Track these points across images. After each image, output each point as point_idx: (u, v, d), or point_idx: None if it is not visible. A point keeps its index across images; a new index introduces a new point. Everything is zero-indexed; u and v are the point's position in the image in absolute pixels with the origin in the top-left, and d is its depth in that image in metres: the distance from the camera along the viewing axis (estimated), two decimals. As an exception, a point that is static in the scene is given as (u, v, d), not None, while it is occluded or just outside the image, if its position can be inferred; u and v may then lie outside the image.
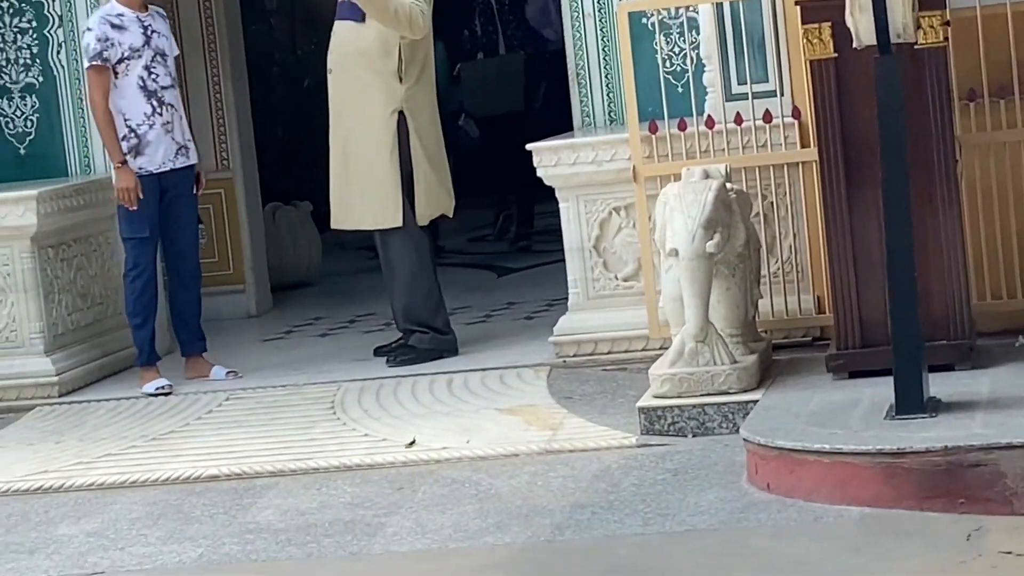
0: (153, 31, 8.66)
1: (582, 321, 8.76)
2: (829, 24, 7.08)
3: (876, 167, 6.48)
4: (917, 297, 6.44)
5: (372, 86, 8.67)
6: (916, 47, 6.96)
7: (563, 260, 9.85)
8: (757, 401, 7.19)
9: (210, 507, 7.19)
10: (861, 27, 6.28)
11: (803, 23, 7.23)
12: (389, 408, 8.36)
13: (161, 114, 8.63)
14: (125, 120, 8.61)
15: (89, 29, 8.60)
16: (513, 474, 7.18)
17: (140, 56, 8.59)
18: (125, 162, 8.45)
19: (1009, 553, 5.22)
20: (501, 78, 13.35)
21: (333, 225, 9.18)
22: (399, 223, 8.67)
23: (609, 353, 8.56)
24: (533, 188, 12.31)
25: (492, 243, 14.25)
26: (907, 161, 6.30)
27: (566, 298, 9.26)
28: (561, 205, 8.63)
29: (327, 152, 9.08)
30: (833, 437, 6.27)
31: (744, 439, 6.51)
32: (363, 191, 8.77)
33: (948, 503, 5.76)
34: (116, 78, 8.61)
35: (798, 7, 7.33)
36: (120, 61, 8.63)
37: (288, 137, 14.11)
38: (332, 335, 10.61)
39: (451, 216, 9.22)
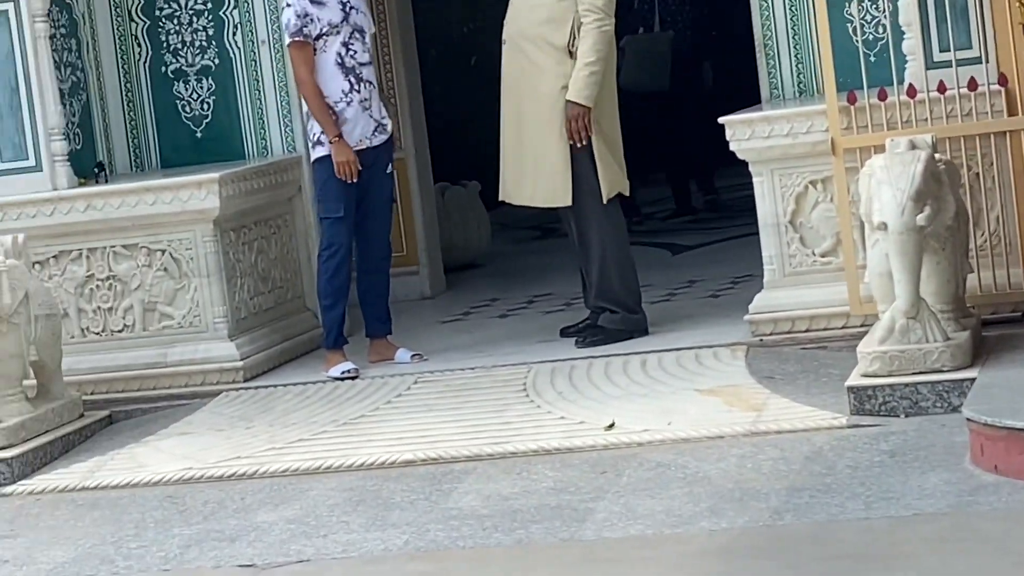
0: (351, 7, 8.62)
1: (779, 298, 8.47)
2: (1041, -14, 7.05)
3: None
4: None
5: (543, 60, 8.51)
6: None
7: (738, 236, 10.58)
8: (973, 379, 6.98)
9: (409, 493, 7.15)
10: (1084, -14, 6.16)
11: (1013, -15, 7.20)
12: (584, 390, 8.18)
13: (359, 91, 8.57)
14: (323, 97, 8.72)
15: (288, 4, 8.58)
16: (720, 456, 7.03)
17: (339, 32, 8.53)
18: (340, 136, 8.39)
19: None
20: (648, 56, 13.18)
21: (502, 198, 8.97)
22: (569, 202, 8.51)
23: (807, 331, 8.36)
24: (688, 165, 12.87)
25: (660, 220, 13.88)
26: None
27: (750, 275, 9.43)
28: (755, 179, 8.37)
29: (494, 130, 9.10)
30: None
31: (968, 419, 6.36)
32: (535, 168, 8.60)
33: None
34: (314, 54, 8.57)
35: (1006, -31, 7.34)
36: (319, 37, 8.57)
37: (454, 116, 13.95)
38: (512, 316, 10.43)
39: (627, 195, 8.95)
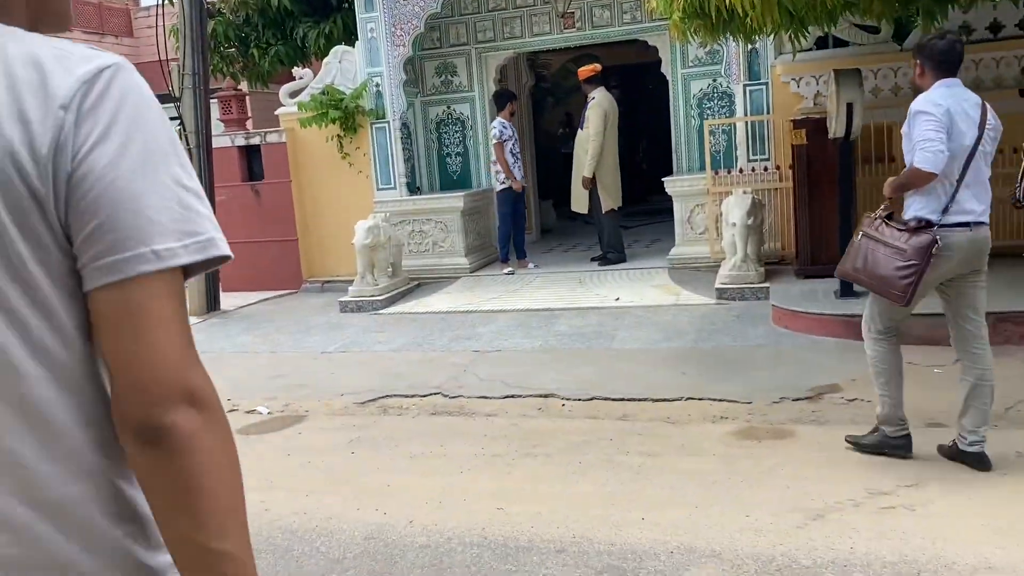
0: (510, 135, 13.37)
1: (682, 251, 12.69)
2: None
3: None
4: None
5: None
6: None
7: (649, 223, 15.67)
8: (768, 287, 10.43)
9: (539, 322, 10.52)
10: None
11: None
12: (603, 283, 12.13)
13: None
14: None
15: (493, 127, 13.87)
16: (664, 314, 10.29)
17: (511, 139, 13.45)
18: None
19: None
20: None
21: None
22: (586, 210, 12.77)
23: (692, 263, 12.32)
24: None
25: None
26: None
27: (658, 239, 14.42)
28: (675, 202, 12.65)
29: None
30: (815, 305, 9.20)
31: (773, 304, 9.56)
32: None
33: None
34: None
35: None
36: (506, 140, 13.51)
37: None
38: (571, 252, 14.79)
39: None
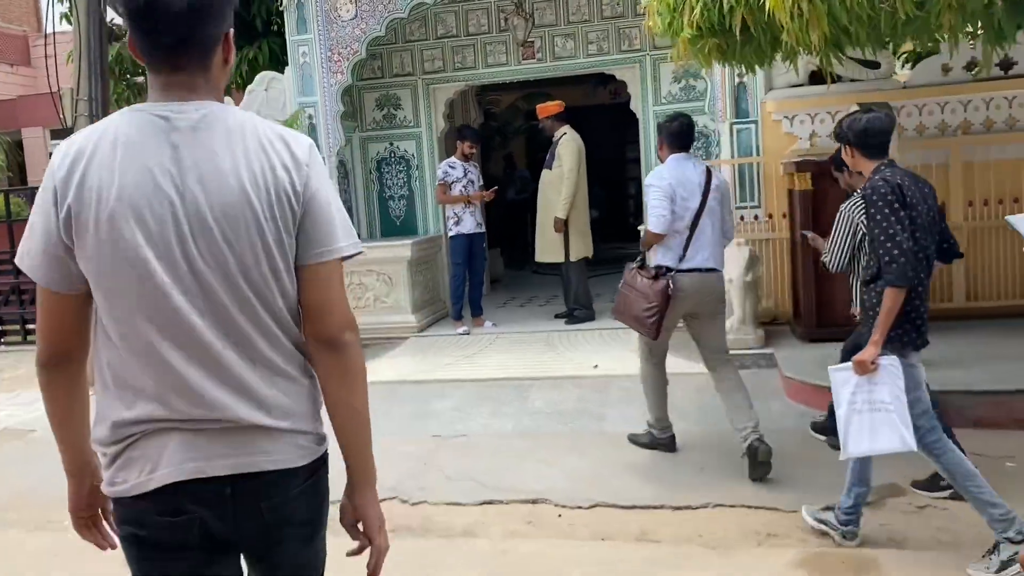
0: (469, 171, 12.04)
1: None
2: None
3: None
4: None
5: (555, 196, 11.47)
6: None
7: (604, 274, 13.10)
8: (771, 352, 9.11)
9: (508, 396, 8.83)
10: None
11: None
12: (575, 345, 10.76)
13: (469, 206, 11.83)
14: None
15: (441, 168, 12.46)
16: None
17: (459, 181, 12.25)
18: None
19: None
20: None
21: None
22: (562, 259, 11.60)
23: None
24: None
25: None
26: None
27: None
28: None
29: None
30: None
31: (786, 376, 8.25)
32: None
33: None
34: (450, 189, 12.30)
35: None
36: (454, 182, 12.17)
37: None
38: (528, 305, 13.76)
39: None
